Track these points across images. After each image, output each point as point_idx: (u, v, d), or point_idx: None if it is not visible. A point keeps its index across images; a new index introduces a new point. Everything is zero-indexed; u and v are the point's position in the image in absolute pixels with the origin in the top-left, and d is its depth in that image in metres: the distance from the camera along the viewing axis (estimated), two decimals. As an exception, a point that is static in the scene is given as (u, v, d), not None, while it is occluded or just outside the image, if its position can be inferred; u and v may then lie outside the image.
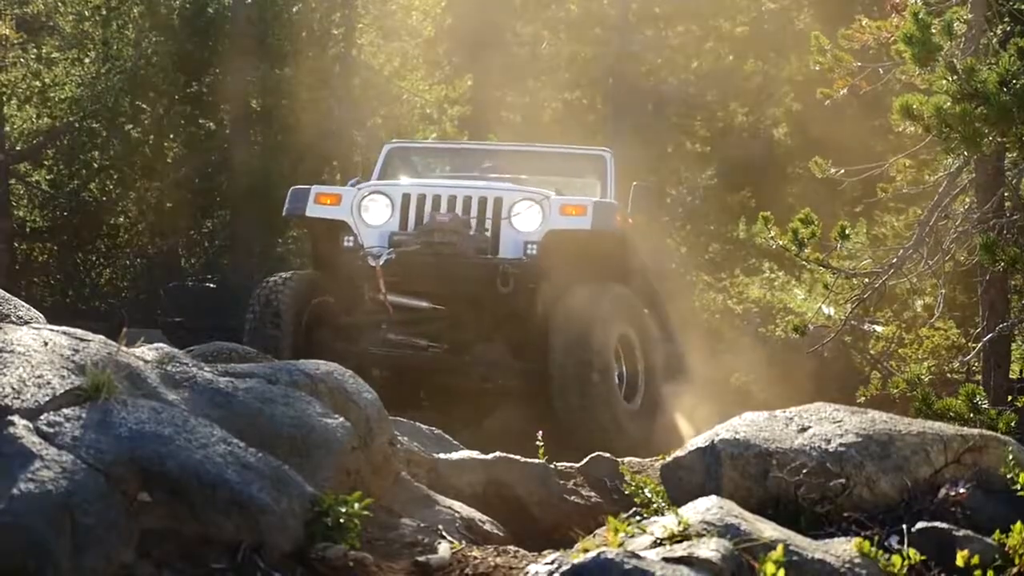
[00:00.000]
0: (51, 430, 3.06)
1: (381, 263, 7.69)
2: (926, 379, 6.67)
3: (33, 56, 15.71)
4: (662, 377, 8.54)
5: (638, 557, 2.64)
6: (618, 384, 7.80)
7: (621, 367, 7.95)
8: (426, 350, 7.99)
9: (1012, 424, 5.69)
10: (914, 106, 5.64)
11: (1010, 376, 9.17)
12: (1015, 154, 7.16)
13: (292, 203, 8.22)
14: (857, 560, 2.87)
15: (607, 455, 5.21)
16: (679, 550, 2.71)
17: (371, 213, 8.04)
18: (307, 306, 8.07)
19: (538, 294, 7.88)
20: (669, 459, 3.75)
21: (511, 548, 3.67)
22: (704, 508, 2.97)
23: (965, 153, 6.40)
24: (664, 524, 2.88)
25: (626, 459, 5.24)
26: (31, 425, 3.05)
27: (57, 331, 3.72)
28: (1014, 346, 10.27)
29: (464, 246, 7.78)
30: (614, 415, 7.46)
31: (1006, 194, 7.89)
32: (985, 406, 5.83)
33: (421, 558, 3.37)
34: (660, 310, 9.83)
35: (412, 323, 8.01)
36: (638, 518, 3.40)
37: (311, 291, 8.18)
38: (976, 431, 3.79)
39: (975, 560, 2.89)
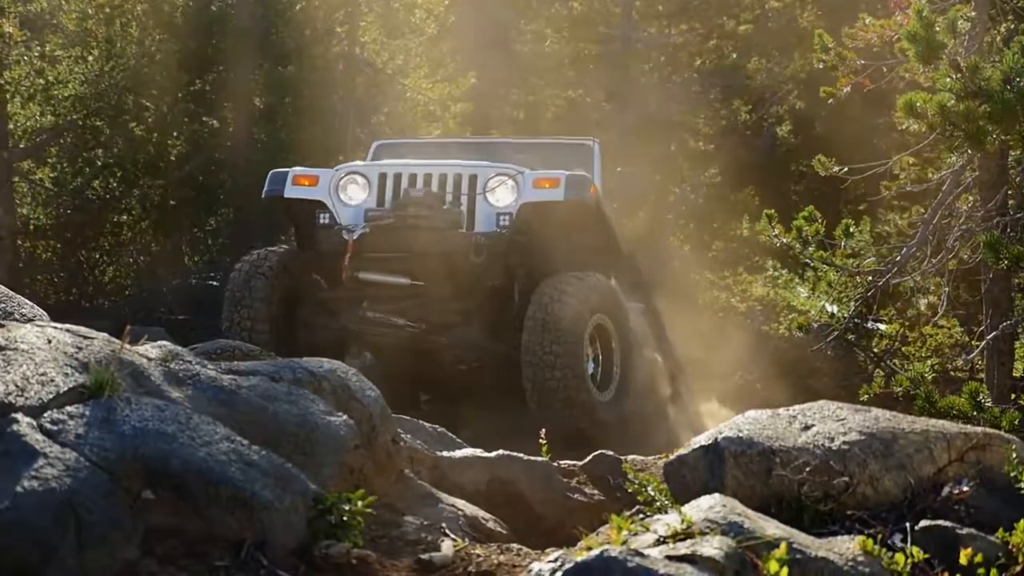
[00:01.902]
0: (55, 428, 3.06)
1: (355, 237, 7.73)
2: (929, 377, 6.67)
3: (36, 54, 15.68)
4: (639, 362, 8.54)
5: (641, 555, 2.63)
6: (592, 374, 7.80)
7: (596, 352, 7.94)
8: (403, 329, 8.00)
9: (1015, 422, 5.69)
10: (918, 104, 5.63)
11: (1013, 374, 9.17)
12: (1019, 152, 7.17)
13: (271, 185, 8.23)
14: (860, 558, 2.86)
15: (610, 453, 5.22)
16: (682, 548, 2.71)
17: (349, 193, 8.09)
18: (283, 281, 8.06)
19: (512, 265, 7.91)
20: (672, 457, 3.74)
21: (514, 546, 3.67)
22: (707, 506, 2.96)
23: (969, 151, 6.40)
24: (667, 522, 2.87)
25: (629, 457, 5.24)
26: (35, 423, 3.05)
27: (60, 329, 3.71)
28: (1017, 344, 10.26)
29: (437, 219, 7.79)
30: (587, 409, 7.45)
31: (1010, 192, 7.90)
32: (988, 404, 5.82)
33: (424, 556, 3.37)
34: (654, 307, 9.85)
35: (390, 300, 8.00)
36: (641, 516, 3.39)
37: (287, 267, 8.17)
38: (979, 429, 3.79)
39: (978, 558, 2.88)
